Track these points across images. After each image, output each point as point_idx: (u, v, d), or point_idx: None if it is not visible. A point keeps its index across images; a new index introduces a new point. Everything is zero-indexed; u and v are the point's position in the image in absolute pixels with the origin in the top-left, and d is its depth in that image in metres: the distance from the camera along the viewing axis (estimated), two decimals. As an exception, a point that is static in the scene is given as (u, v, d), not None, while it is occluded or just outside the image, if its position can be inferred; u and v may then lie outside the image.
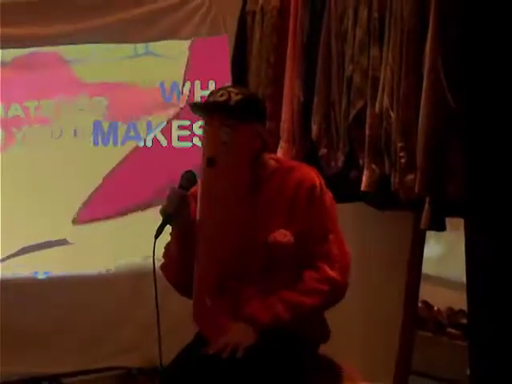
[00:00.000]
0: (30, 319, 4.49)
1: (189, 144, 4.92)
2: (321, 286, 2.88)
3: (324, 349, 3.08)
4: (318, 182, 2.93)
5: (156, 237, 2.86)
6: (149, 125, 4.89)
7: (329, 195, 2.98)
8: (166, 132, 4.91)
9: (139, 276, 4.59)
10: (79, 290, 4.55)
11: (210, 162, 2.86)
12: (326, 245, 2.92)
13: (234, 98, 2.85)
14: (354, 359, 3.95)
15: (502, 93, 3.08)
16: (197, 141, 4.89)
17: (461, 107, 3.13)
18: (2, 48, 4.47)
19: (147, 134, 4.88)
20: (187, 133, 4.91)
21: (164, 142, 4.91)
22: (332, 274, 2.89)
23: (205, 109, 2.93)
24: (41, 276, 4.64)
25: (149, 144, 4.88)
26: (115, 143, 4.86)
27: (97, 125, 4.82)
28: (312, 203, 2.90)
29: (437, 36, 3.14)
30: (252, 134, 2.88)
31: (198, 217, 2.95)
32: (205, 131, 2.91)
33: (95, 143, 4.83)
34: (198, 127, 4.87)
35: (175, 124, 4.91)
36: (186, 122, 4.92)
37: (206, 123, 2.91)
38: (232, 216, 2.92)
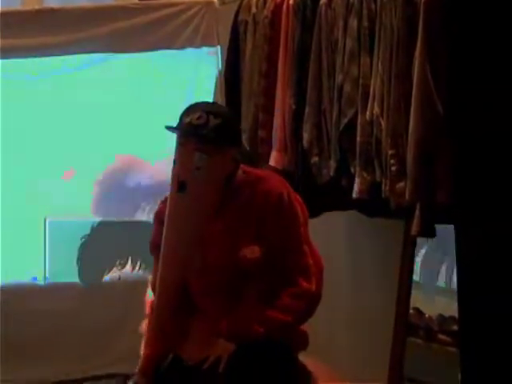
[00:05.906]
0: (29, 326, 4.50)
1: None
2: (298, 302, 2.79)
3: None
4: (285, 192, 2.80)
5: None
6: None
7: (299, 204, 2.85)
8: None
9: (135, 285, 4.62)
10: (78, 297, 4.57)
11: (181, 186, 2.74)
12: (301, 257, 2.80)
13: (213, 121, 2.71)
14: (346, 367, 3.97)
15: (490, 100, 3.12)
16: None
17: (450, 114, 3.17)
18: (3, 59, 4.51)
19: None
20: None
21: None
22: (309, 287, 2.79)
23: (180, 131, 2.76)
24: (40, 282, 4.65)
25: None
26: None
27: None
28: (281, 214, 2.78)
29: (426, 44, 3.18)
30: (227, 160, 2.76)
31: (163, 239, 2.83)
32: (178, 152, 2.76)
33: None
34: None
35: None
36: None
37: (180, 144, 2.76)
38: (199, 236, 2.81)
